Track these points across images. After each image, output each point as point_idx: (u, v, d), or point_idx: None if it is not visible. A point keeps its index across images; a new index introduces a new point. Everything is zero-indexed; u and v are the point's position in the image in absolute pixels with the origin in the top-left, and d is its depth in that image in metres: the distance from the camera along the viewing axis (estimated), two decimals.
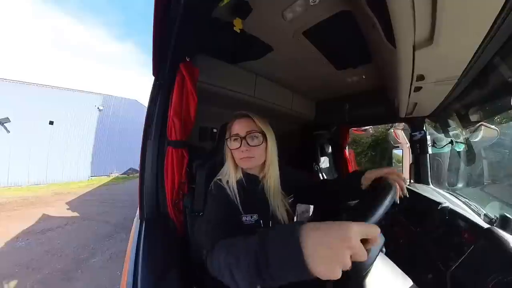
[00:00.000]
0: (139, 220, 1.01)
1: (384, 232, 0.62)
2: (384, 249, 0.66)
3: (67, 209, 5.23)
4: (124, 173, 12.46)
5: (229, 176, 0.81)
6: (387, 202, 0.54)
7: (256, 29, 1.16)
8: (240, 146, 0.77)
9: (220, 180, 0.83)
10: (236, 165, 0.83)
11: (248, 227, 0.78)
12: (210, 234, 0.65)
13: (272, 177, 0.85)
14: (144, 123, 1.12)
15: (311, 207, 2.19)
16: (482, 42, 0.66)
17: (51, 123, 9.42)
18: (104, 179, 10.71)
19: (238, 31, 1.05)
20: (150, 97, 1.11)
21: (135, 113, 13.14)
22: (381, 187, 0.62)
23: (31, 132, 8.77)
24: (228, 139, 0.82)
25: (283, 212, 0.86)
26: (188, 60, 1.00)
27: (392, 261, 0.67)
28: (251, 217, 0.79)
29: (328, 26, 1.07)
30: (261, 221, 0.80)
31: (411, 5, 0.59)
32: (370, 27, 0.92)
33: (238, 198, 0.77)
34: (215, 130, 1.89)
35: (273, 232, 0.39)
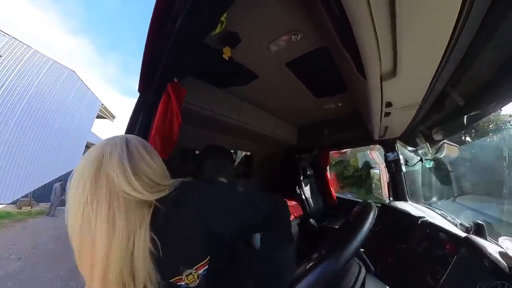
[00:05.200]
0: None
1: (372, 251, 0.64)
2: (372, 269, 0.67)
3: None
4: (13, 203, 6.22)
5: None
6: (368, 224, 0.56)
7: (244, 58, 1.26)
8: None
9: None
10: None
11: None
12: None
13: None
14: None
15: None
16: (435, 74, 0.80)
17: None
18: None
19: (227, 58, 1.13)
20: (132, 113, 1.08)
21: (69, 93, 7.68)
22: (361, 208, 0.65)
23: None
24: None
25: None
26: (176, 80, 1.01)
27: (383, 281, 0.66)
28: None
29: (308, 59, 1.21)
30: None
31: (376, 45, 0.71)
32: (344, 62, 1.06)
33: None
34: (197, 152, 1.87)
35: None
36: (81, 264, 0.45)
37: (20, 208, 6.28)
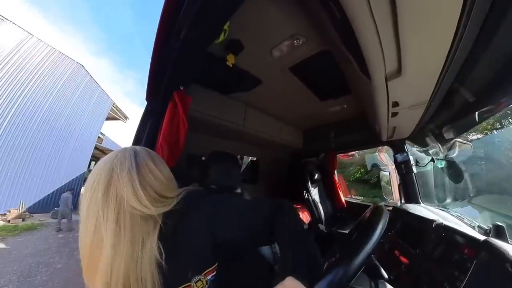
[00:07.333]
0: None
1: (384, 257, 0.61)
2: (386, 276, 0.64)
3: None
4: (27, 212, 5.54)
5: None
6: (379, 229, 0.54)
7: (247, 64, 1.28)
8: None
9: None
10: None
11: None
12: None
13: None
14: None
15: None
16: (441, 70, 0.78)
17: None
18: None
19: (231, 65, 1.16)
20: (140, 122, 1.12)
21: (75, 90, 7.07)
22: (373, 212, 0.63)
23: None
24: None
25: None
26: (182, 88, 1.05)
27: None
28: None
29: (311, 63, 1.21)
30: None
31: (379, 45, 0.70)
32: (347, 63, 1.06)
33: None
34: (203, 158, 1.89)
35: None
36: (87, 273, 0.46)
37: (9, 221, 5.02)
